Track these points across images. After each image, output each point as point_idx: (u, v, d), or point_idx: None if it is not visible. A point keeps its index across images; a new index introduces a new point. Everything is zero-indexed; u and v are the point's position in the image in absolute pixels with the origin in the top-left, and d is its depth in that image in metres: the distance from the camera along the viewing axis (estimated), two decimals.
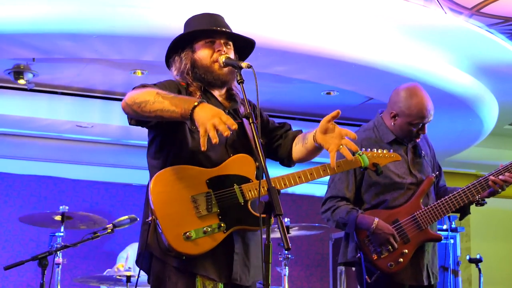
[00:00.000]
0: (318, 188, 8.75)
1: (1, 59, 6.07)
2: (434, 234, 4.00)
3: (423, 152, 4.13)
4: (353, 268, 4.25)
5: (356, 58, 5.93)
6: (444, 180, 4.27)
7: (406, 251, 3.91)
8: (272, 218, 2.59)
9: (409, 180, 4.02)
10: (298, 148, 3.23)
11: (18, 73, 6.40)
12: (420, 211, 3.96)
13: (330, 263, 7.61)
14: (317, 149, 3.13)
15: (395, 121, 4.04)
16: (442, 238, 4.06)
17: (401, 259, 3.90)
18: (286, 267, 5.88)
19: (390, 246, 3.89)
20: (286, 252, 5.83)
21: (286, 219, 5.95)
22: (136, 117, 2.90)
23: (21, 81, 6.45)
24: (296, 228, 6.12)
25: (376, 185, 4.00)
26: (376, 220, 3.87)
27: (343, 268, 7.19)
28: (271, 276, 2.54)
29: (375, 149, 3.37)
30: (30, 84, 6.56)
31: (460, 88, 6.58)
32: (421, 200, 3.98)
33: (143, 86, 2.96)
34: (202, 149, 2.70)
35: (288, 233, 5.92)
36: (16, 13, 5.18)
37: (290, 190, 8.36)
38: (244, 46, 3.28)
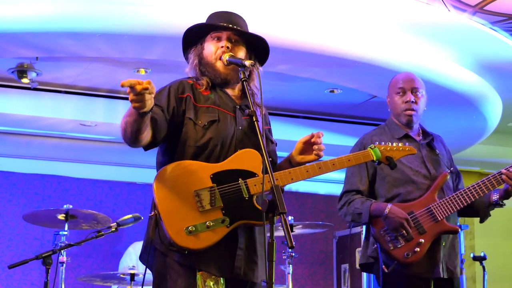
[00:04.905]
0: (322, 186, 8.74)
1: (4, 58, 6.07)
2: (450, 226, 4.03)
3: (438, 151, 4.18)
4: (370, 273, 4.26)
5: (359, 56, 5.93)
6: (463, 184, 4.30)
7: (422, 240, 3.94)
8: (276, 216, 2.59)
9: (423, 175, 4.08)
10: None
11: (21, 72, 6.40)
12: (435, 203, 4.00)
13: (334, 261, 7.61)
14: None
15: (390, 106, 4.22)
16: (459, 230, 4.09)
17: (418, 249, 3.93)
18: (290, 265, 5.88)
19: (404, 231, 3.91)
20: (290, 250, 5.83)
21: (290, 217, 5.95)
22: (133, 142, 2.92)
23: (25, 80, 6.44)
24: (300, 226, 6.12)
25: (389, 178, 4.07)
26: (389, 205, 3.94)
27: (347, 266, 7.20)
28: (275, 274, 2.54)
29: (389, 143, 3.37)
30: (33, 83, 6.56)
31: (464, 86, 6.57)
32: (436, 194, 4.02)
33: None
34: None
35: (292, 231, 5.92)
36: (19, 12, 5.18)
37: (294, 188, 8.36)
38: (258, 47, 3.29)
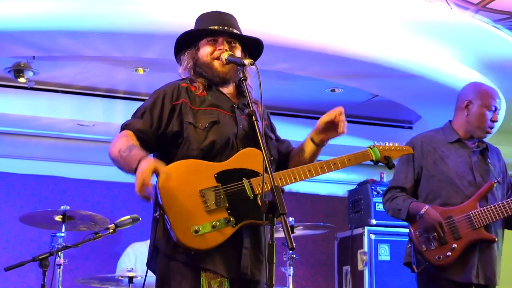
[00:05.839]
0: (323, 187, 8.74)
1: (1, 57, 6.07)
2: (487, 235, 4.11)
3: (490, 161, 4.23)
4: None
5: (360, 55, 5.93)
6: None
7: (456, 245, 4.05)
8: (277, 218, 2.60)
9: (468, 181, 4.15)
10: (295, 162, 3.29)
11: (18, 71, 6.41)
12: (476, 211, 4.09)
13: (335, 263, 7.60)
14: (317, 150, 3.25)
15: (468, 111, 4.29)
16: (496, 240, 4.13)
17: (450, 253, 4.05)
18: (291, 267, 5.88)
19: (435, 234, 4.03)
20: (290, 251, 5.82)
21: (290, 218, 5.95)
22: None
23: (22, 80, 6.45)
24: (301, 227, 6.12)
25: (433, 179, 4.21)
26: (427, 206, 4.09)
27: (348, 267, 7.20)
28: (276, 276, 2.54)
29: (387, 142, 3.40)
30: (30, 83, 6.56)
31: (466, 84, 6.56)
32: (478, 202, 4.08)
33: (123, 128, 3.14)
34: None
35: (293, 232, 5.92)
36: (16, 10, 5.18)
37: (294, 188, 8.35)
38: (253, 45, 3.30)
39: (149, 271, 3.10)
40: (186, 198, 2.91)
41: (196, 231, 2.87)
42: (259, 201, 2.96)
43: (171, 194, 2.91)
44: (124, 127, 3.12)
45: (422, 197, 4.25)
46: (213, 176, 2.96)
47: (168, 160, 3.05)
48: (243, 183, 2.99)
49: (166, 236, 2.94)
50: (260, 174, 3.00)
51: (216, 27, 3.18)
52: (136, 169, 2.86)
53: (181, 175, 2.94)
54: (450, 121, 4.44)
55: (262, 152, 2.73)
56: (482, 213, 4.07)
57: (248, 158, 3.04)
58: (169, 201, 2.90)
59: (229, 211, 2.94)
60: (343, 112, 3.19)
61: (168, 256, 2.98)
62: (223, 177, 2.98)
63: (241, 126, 3.12)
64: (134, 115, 3.16)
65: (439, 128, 4.45)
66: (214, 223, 2.90)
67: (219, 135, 3.05)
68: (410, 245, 4.18)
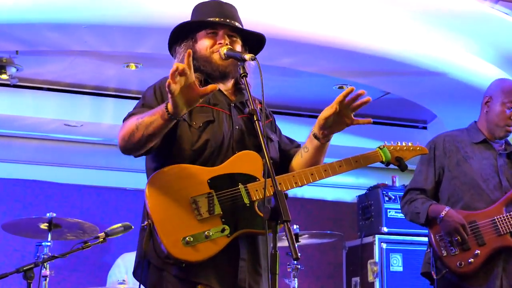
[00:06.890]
0: (330, 192, 8.73)
1: None
2: None
3: None
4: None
5: (371, 49, 5.93)
6: None
7: (479, 252, 4.05)
8: (279, 224, 2.59)
9: (493, 184, 4.16)
10: (297, 162, 3.26)
11: (0, 67, 6.41)
12: (501, 216, 4.11)
13: (343, 274, 7.61)
14: (322, 147, 3.17)
15: (488, 108, 4.33)
16: None
17: (472, 260, 4.05)
18: (296, 279, 5.89)
19: (459, 237, 4.03)
20: (295, 262, 5.83)
21: (294, 226, 5.96)
22: (135, 149, 2.93)
23: (4, 76, 6.45)
24: (306, 235, 6.14)
25: (455, 181, 4.23)
26: (447, 208, 4.09)
27: (358, 279, 7.20)
28: None
29: (399, 142, 3.38)
30: (13, 79, 6.57)
31: (485, 80, 6.52)
32: (505, 207, 4.09)
33: (127, 117, 3.00)
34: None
35: (297, 241, 5.93)
36: None
37: (299, 193, 8.36)
38: (254, 39, 3.29)
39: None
40: (177, 206, 2.90)
41: (187, 242, 2.85)
42: (256, 208, 2.96)
43: (160, 202, 2.90)
44: (128, 116, 3.03)
45: (443, 200, 4.26)
46: (206, 182, 2.95)
47: (159, 161, 3.05)
48: (238, 189, 2.97)
49: (155, 248, 2.93)
50: (257, 179, 2.99)
51: (217, 19, 3.17)
52: (166, 107, 2.76)
53: (172, 181, 2.93)
54: (475, 121, 4.46)
55: (264, 153, 2.71)
56: (508, 219, 4.08)
57: (245, 161, 3.03)
58: (157, 210, 2.89)
59: (223, 220, 2.92)
60: (346, 95, 3.13)
61: (159, 268, 2.98)
62: (217, 182, 2.96)
63: (237, 127, 3.11)
64: (134, 109, 3.10)
65: (463, 128, 4.48)
66: (207, 232, 2.88)
67: (214, 135, 3.03)
68: (429, 250, 4.19)
